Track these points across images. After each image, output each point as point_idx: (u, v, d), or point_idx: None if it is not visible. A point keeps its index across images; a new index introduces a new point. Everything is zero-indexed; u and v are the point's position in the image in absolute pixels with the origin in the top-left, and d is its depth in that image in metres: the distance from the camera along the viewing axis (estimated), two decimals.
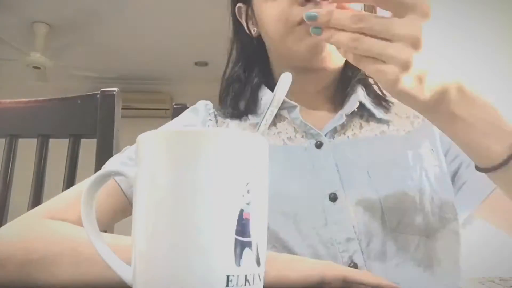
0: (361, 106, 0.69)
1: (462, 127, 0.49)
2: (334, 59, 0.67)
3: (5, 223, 0.85)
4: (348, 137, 0.67)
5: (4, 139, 0.94)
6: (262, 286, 0.33)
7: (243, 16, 0.74)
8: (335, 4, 0.48)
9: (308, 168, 0.64)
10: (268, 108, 0.38)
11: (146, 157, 0.32)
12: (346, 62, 0.72)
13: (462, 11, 2.27)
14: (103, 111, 0.91)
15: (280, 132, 0.68)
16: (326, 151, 0.65)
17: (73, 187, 0.65)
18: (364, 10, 0.70)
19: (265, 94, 0.72)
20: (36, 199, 0.89)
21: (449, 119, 0.48)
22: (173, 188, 0.31)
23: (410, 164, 0.64)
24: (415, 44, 0.44)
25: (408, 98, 0.46)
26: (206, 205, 0.30)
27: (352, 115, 0.69)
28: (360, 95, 0.70)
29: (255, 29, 0.72)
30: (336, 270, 0.45)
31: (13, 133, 0.94)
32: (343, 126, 0.68)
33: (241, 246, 0.31)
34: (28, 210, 0.85)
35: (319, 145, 0.65)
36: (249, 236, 0.31)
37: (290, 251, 0.58)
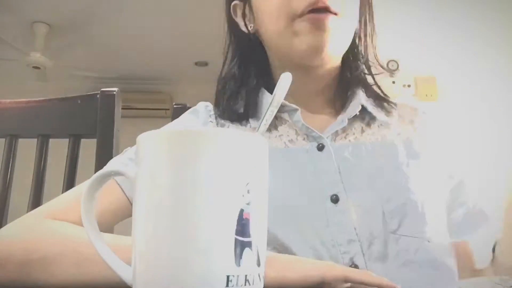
0: (363, 109, 0.69)
1: None
2: (333, 57, 0.68)
3: (5, 223, 0.85)
4: (349, 140, 0.67)
5: (4, 139, 0.94)
6: (262, 286, 0.33)
7: (239, 14, 0.73)
8: None
9: (309, 170, 0.64)
10: (268, 108, 0.38)
11: (146, 157, 0.32)
12: (344, 63, 0.72)
13: (462, 11, 2.27)
14: (103, 111, 0.91)
15: (281, 135, 0.68)
16: (328, 154, 0.65)
17: (73, 188, 0.65)
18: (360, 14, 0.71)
19: (265, 98, 0.72)
20: (36, 199, 0.89)
21: None
22: (173, 188, 0.31)
23: (411, 171, 0.65)
24: None
25: None
26: (206, 205, 0.30)
27: (354, 118, 0.69)
28: (361, 98, 0.70)
29: (252, 25, 0.71)
30: (337, 270, 0.45)
31: (13, 133, 0.94)
32: (345, 130, 0.68)
33: (241, 246, 0.30)
34: (28, 210, 0.85)
35: (320, 147, 0.65)
36: (249, 236, 0.31)
37: (290, 252, 0.58)
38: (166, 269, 0.30)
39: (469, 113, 2.16)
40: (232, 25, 0.75)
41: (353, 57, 0.73)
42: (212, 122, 0.72)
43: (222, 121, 0.72)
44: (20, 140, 0.95)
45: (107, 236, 0.46)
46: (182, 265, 0.30)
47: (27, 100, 0.96)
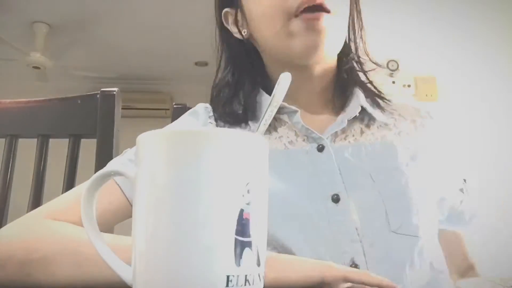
0: (362, 110, 0.69)
1: None
2: (329, 55, 0.68)
3: (5, 223, 0.85)
4: (349, 141, 0.67)
5: (4, 139, 0.94)
6: (262, 286, 0.33)
7: (230, 20, 0.73)
8: None
9: (310, 171, 0.64)
10: (267, 108, 0.38)
11: (146, 157, 0.32)
12: (339, 62, 0.72)
13: (462, 11, 2.27)
14: (103, 111, 0.91)
15: (281, 137, 0.68)
16: (328, 155, 0.65)
17: (73, 189, 0.65)
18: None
19: (264, 99, 0.71)
20: (36, 199, 0.89)
21: None
22: (173, 188, 0.31)
23: (410, 171, 0.65)
24: None
25: None
26: (206, 205, 0.30)
27: (353, 119, 0.69)
28: (361, 98, 0.70)
29: (246, 30, 0.71)
30: (337, 270, 0.45)
31: (13, 133, 0.94)
32: (344, 131, 0.68)
33: (241, 246, 0.30)
34: (28, 210, 0.85)
35: (320, 148, 0.65)
36: (249, 236, 0.31)
37: (290, 252, 0.58)
38: (166, 269, 0.30)
39: (469, 113, 2.16)
40: (224, 32, 0.75)
41: (345, 55, 0.73)
42: (211, 123, 0.72)
43: (222, 124, 0.72)
44: (20, 140, 0.95)
45: (107, 236, 0.46)
46: (182, 265, 0.30)
47: (27, 100, 0.96)
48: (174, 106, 0.97)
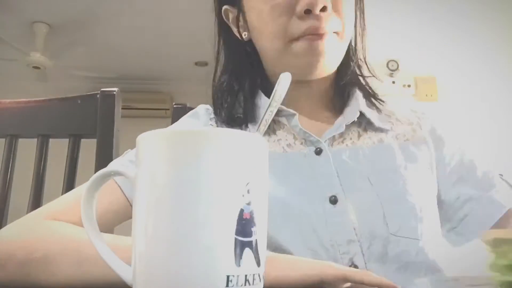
0: (360, 115, 0.69)
1: None
2: (328, 71, 0.68)
3: (5, 223, 0.85)
4: (346, 145, 0.67)
5: (4, 139, 0.94)
6: (262, 286, 0.33)
7: (231, 18, 0.72)
8: None
9: (308, 174, 0.64)
10: (267, 108, 0.38)
11: (146, 157, 0.32)
12: (339, 67, 0.72)
13: (462, 11, 2.27)
14: (103, 111, 0.91)
15: (280, 139, 0.68)
16: (326, 158, 0.65)
17: (73, 190, 0.65)
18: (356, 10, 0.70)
19: (263, 103, 0.71)
20: (36, 199, 0.89)
21: None
22: (173, 188, 0.31)
23: (409, 174, 0.65)
24: None
25: None
26: (206, 205, 0.30)
27: (351, 123, 0.69)
28: (360, 104, 0.70)
29: (246, 33, 0.70)
30: (336, 270, 0.45)
31: (13, 133, 0.94)
32: (342, 135, 0.68)
33: (241, 246, 0.30)
34: (28, 210, 0.85)
35: (318, 151, 0.65)
36: (249, 236, 0.31)
37: (289, 253, 0.57)
38: (166, 269, 0.30)
39: (469, 113, 2.16)
40: (224, 29, 0.74)
41: (346, 60, 0.72)
42: (212, 125, 0.72)
43: (223, 126, 0.72)
44: (20, 140, 0.95)
45: (107, 236, 0.46)
46: (182, 265, 0.30)
47: (27, 100, 0.96)
48: (174, 106, 0.97)
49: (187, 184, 0.30)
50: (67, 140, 0.93)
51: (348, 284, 0.44)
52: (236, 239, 0.30)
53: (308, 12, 0.61)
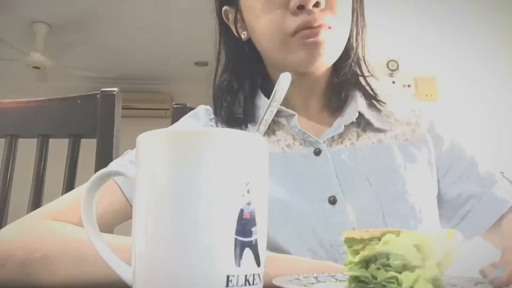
0: (359, 115, 0.69)
1: None
2: (327, 63, 0.68)
3: (5, 223, 0.85)
4: (345, 145, 0.67)
5: (4, 139, 0.94)
6: (262, 286, 0.33)
7: (231, 18, 0.73)
8: None
9: (307, 175, 0.64)
10: (268, 108, 0.38)
11: (146, 157, 0.32)
12: (335, 64, 0.71)
13: (462, 11, 2.27)
14: (103, 111, 0.91)
15: (279, 140, 0.68)
16: (325, 158, 0.65)
17: (73, 190, 0.66)
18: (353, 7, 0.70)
19: (262, 104, 0.71)
20: (36, 199, 0.89)
21: None
22: (173, 188, 0.31)
23: (408, 174, 0.65)
24: None
25: None
26: (206, 205, 0.30)
27: (350, 124, 0.69)
28: (360, 104, 0.70)
29: (245, 33, 0.71)
30: (336, 270, 0.45)
31: (13, 133, 0.94)
32: (341, 135, 0.68)
33: (241, 246, 0.31)
34: (28, 210, 0.85)
35: (317, 152, 0.65)
36: (249, 236, 0.31)
37: (288, 253, 0.58)
38: (166, 269, 0.30)
39: (469, 113, 2.16)
40: (224, 29, 0.75)
41: (344, 58, 0.72)
42: (212, 126, 0.72)
43: (223, 126, 0.72)
44: (20, 140, 0.95)
45: (107, 236, 0.46)
46: (182, 265, 0.30)
47: (27, 100, 0.96)
48: (174, 106, 0.97)
49: (187, 184, 0.30)
50: (67, 140, 0.93)
51: None
52: (236, 239, 0.30)
53: (301, 7, 0.61)
